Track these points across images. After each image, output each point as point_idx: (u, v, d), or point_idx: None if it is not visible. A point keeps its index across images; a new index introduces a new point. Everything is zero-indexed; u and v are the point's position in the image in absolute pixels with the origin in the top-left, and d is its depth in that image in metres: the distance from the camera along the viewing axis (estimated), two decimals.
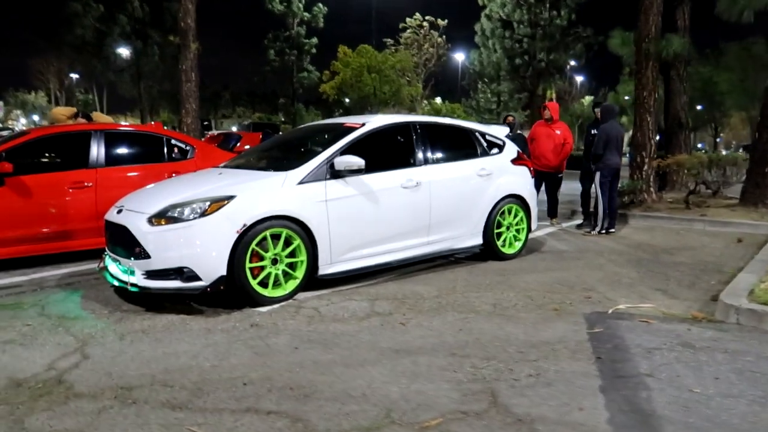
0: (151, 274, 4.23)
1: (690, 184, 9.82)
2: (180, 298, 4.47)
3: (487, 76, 43.69)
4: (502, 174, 6.05)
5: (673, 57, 9.80)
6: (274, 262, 4.44)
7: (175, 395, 2.92)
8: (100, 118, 7.93)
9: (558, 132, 8.28)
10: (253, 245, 4.29)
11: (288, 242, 4.48)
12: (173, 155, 6.71)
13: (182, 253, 4.15)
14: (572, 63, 44.28)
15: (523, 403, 2.83)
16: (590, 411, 2.76)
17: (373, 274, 5.16)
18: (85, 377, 3.13)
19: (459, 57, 45.65)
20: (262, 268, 4.39)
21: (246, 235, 4.24)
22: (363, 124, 5.21)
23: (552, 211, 8.58)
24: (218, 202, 4.26)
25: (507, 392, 2.94)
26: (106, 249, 4.80)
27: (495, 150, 6.18)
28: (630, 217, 8.78)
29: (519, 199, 6.19)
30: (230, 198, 4.30)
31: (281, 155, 5.80)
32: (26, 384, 3.05)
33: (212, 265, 4.19)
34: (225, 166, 5.45)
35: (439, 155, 5.60)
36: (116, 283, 4.51)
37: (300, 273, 4.57)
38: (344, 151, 4.88)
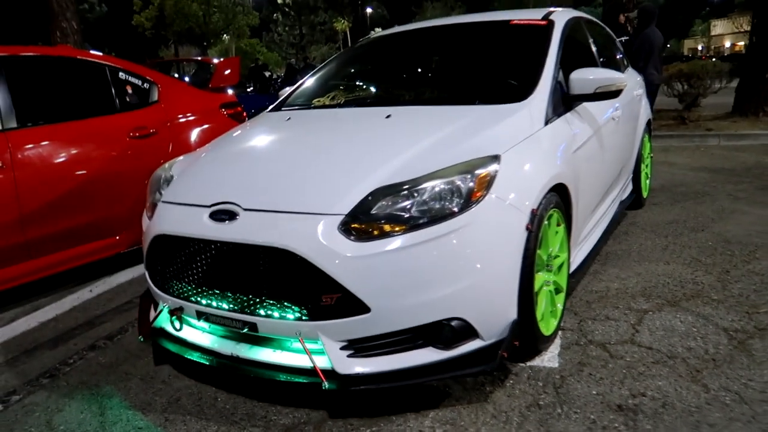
0: (364, 347, 1.92)
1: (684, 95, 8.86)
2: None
3: (302, 5, 40.83)
4: (643, 92, 4.48)
5: None
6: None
7: None
8: None
9: None
10: (539, 248, 2.19)
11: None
12: (127, 99, 3.90)
13: (443, 293, 1.91)
14: None
15: None
16: None
17: None
18: None
19: None
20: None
21: (532, 231, 2.13)
22: (549, 21, 3.15)
23: None
24: (483, 172, 2.04)
25: None
26: (168, 296, 2.25)
27: (624, 59, 4.55)
28: None
29: (650, 126, 4.71)
30: (494, 161, 2.09)
31: (441, 79, 3.41)
32: None
33: (500, 305, 2.02)
34: (337, 105, 3.01)
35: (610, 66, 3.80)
36: (202, 360, 2.11)
37: (563, 280, 2.58)
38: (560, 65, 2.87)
